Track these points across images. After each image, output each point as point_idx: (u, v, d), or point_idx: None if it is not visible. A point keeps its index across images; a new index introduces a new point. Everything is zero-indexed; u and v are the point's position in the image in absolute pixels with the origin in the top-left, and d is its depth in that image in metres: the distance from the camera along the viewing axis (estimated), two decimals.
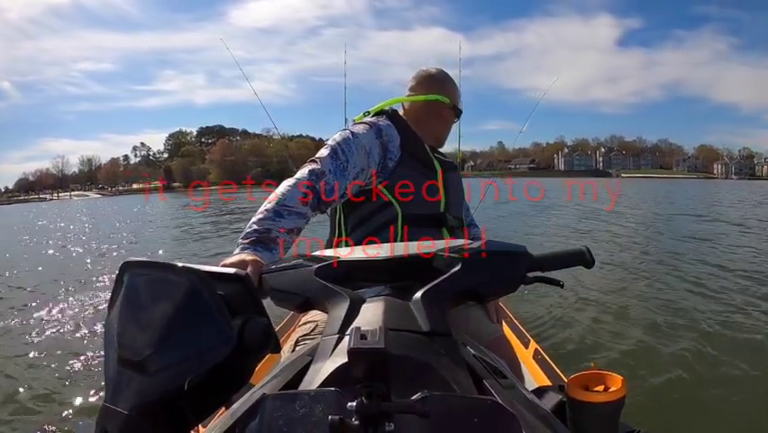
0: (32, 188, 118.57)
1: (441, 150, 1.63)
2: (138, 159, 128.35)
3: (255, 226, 1.14)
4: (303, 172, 1.27)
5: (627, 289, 5.66)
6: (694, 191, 35.39)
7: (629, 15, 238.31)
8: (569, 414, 0.83)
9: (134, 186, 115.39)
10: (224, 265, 0.95)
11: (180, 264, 0.61)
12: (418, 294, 0.77)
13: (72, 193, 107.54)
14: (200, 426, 0.68)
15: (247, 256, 1.02)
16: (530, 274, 0.90)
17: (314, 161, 1.30)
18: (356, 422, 0.46)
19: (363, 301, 0.78)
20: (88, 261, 9.13)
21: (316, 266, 0.87)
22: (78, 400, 3.12)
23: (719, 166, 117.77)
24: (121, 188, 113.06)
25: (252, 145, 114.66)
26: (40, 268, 8.52)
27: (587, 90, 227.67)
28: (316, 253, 0.96)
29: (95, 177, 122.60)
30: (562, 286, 0.94)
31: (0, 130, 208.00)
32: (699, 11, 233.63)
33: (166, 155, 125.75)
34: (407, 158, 1.41)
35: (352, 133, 1.37)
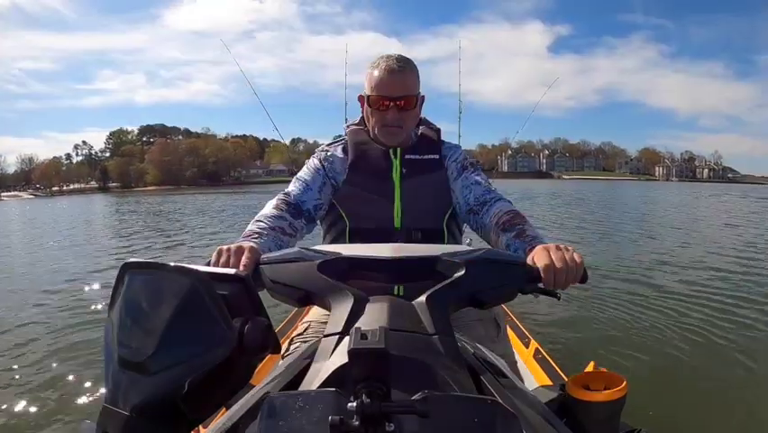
0: None
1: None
2: (80, 157, 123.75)
3: (252, 227, 1.21)
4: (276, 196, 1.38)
5: (627, 289, 5.65)
6: (636, 192, 35.91)
7: (558, 22, 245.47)
8: (569, 413, 0.83)
9: (72, 186, 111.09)
10: (220, 251, 0.96)
11: (180, 265, 0.61)
12: (423, 297, 0.78)
13: (3, 194, 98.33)
14: (201, 426, 0.68)
15: (245, 243, 1.02)
16: (529, 285, 0.91)
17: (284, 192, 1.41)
18: (356, 422, 0.46)
19: (367, 301, 0.78)
20: (89, 260, 9.11)
21: (319, 261, 0.86)
22: (79, 401, 3.12)
23: (661, 168, 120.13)
24: (56, 188, 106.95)
25: (189, 145, 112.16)
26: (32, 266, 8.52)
27: (522, 94, 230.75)
28: (317, 247, 0.96)
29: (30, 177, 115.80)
30: (558, 298, 0.95)
31: None
32: (626, 19, 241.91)
33: (108, 154, 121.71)
34: (355, 175, 1.42)
35: (306, 166, 1.47)
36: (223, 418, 0.65)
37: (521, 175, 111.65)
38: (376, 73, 1.37)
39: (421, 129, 1.53)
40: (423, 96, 1.46)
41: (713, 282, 5.94)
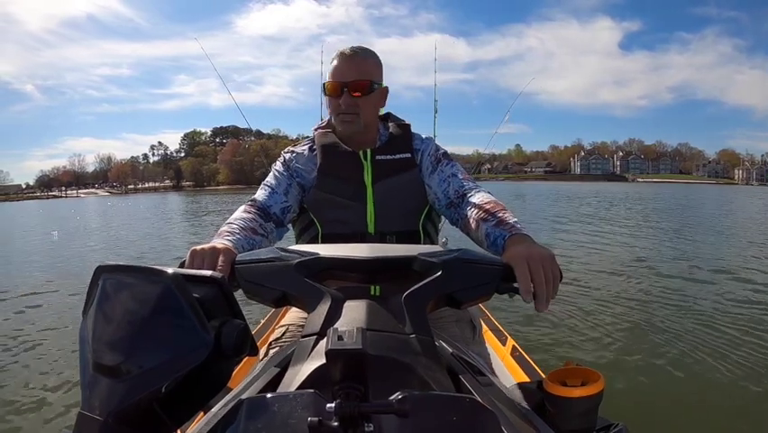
0: (51, 185, 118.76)
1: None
2: (156, 157, 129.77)
3: (224, 228, 1.18)
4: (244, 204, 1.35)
5: (603, 285, 5.76)
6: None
7: (627, 18, 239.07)
8: (547, 409, 0.84)
9: (147, 185, 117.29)
10: (194, 252, 0.95)
11: (155, 267, 0.60)
12: (400, 297, 0.78)
13: (80, 191, 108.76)
14: (178, 431, 0.67)
15: (218, 244, 1.00)
16: (504, 284, 0.92)
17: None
18: (335, 424, 0.46)
19: (344, 301, 0.78)
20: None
21: (296, 261, 0.86)
22: (56, 409, 3.05)
23: (740, 171, 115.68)
24: (131, 186, 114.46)
25: (260, 146, 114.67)
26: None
27: (594, 94, 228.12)
28: (294, 247, 0.95)
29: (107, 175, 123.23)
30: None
31: (24, 129, 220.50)
32: (698, 12, 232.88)
33: (182, 154, 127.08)
34: (325, 179, 1.37)
35: (274, 170, 1.44)
36: (200, 422, 0.64)
37: (594, 178, 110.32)
38: (334, 62, 1.36)
39: (390, 127, 1.48)
40: (386, 88, 1.43)
41: (689, 280, 6.09)
